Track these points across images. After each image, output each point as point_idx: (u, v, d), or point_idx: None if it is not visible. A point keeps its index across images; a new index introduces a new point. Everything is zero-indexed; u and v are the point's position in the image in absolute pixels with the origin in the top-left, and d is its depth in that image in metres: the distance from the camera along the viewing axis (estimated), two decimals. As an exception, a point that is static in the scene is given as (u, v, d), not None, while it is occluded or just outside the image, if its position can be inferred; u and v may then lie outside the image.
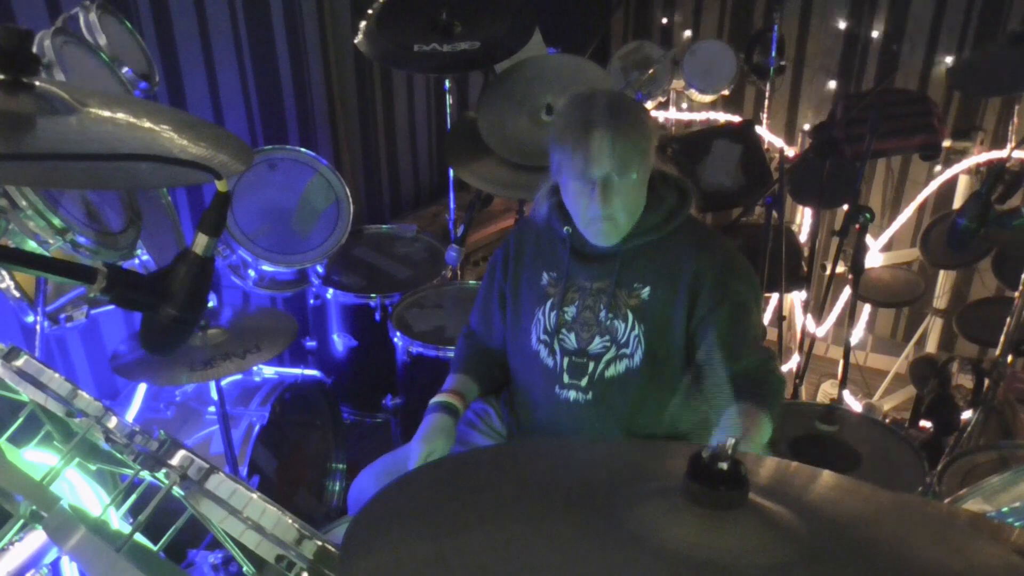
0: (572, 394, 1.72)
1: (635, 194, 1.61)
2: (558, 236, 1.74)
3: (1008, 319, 2.23)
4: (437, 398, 1.78)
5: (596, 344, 1.70)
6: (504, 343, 1.86)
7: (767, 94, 3.28)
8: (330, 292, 2.68)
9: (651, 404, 1.71)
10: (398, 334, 2.47)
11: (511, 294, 1.82)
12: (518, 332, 1.79)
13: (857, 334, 3.52)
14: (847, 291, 3.29)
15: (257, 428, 2.22)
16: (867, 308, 3.56)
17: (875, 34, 3.58)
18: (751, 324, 1.68)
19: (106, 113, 0.96)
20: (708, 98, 3.38)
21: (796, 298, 3.15)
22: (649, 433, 1.73)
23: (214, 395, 2.05)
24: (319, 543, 0.94)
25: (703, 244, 1.67)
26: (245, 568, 1.01)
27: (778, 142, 3.39)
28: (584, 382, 1.70)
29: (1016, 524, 1.30)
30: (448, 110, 2.77)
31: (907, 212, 3.46)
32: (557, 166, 1.63)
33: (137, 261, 1.92)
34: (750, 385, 1.59)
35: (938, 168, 3.33)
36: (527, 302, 1.78)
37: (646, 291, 1.67)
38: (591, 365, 1.70)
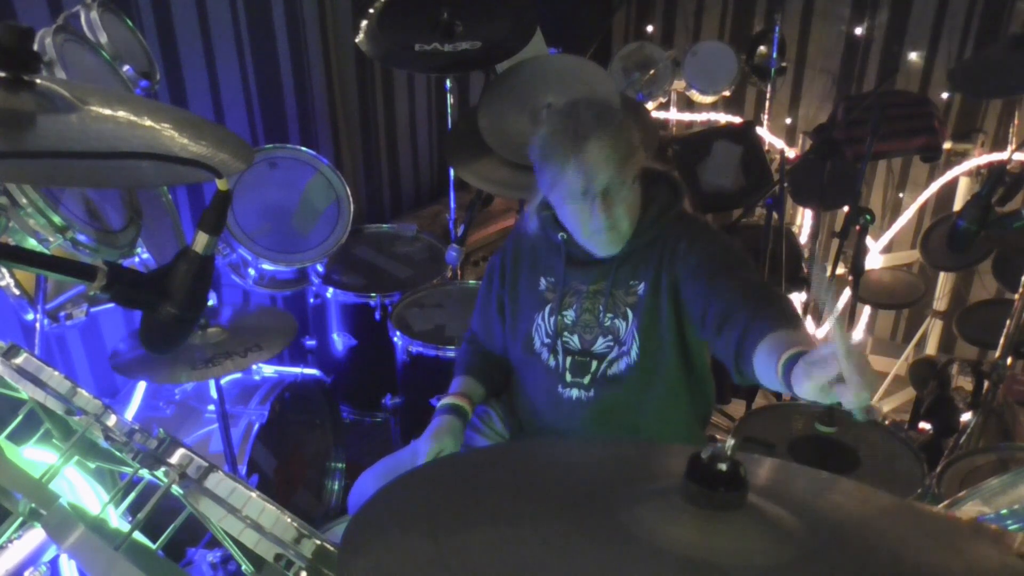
0: (575, 392, 1.72)
1: (633, 198, 1.61)
2: (553, 243, 1.73)
3: (1008, 321, 2.23)
4: (445, 400, 1.78)
5: (600, 344, 1.70)
6: (505, 347, 1.86)
7: (768, 95, 3.27)
8: (330, 291, 2.68)
9: (650, 400, 1.71)
10: (398, 334, 2.47)
11: (510, 300, 1.82)
12: (518, 336, 1.79)
13: (857, 336, 3.51)
14: (847, 293, 3.29)
15: (256, 427, 2.21)
16: (867, 310, 3.55)
17: (876, 36, 3.58)
18: (735, 255, 1.63)
19: (107, 111, 0.96)
20: (709, 99, 3.38)
21: (796, 300, 3.15)
22: (648, 430, 1.73)
23: (214, 394, 2.05)
24: (318, 542, 0.94)
25: (689, 234, 1.66)
26: (244, 567, 1.01)
27: (779, 143, 3.38)
28: (587, 380, 1.71)
29: (1015, 527, 1.29)
30: (449, 110, 2.77)
31: (907, 214, 3.46)
32: (549, 184, 1.59)
33: (137, 259, 1.92)
34: (766, 304, 1.46)
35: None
36: (526, 307, 1.78)
37: (641, 287, 1.67)
38: (594, 364, 1.70)
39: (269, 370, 2.42)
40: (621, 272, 1.68)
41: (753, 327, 1.42)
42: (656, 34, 4.13)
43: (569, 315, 1.72)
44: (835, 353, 1.09)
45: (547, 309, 1.74)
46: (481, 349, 1.92)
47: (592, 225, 1.58)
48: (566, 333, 1.72)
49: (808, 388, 1.16)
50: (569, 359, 1.72)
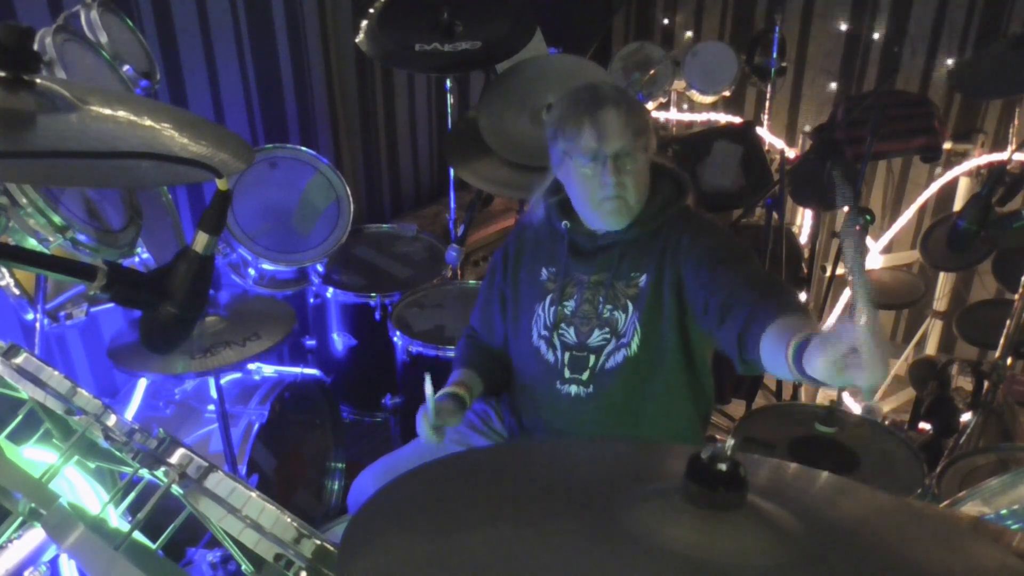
0: (573, 389, 1.72)
1: (642, 175, 1.63)
2: (557, 232, 1.74)
3: (1008, 321, 2.23)
4: (444, 390, 1.77)
5: (596, 337, 1.70)
6: (505, 343, 1.86)
7: (768, 95, 3.27)
8: (330, 291, 2.68)
9: (650, 395, 1.71)
10: (398, 333, 2.47)
11: (511, 293, 1.82)
12: (518, 331, 1.79)
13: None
14: (847, 293, 3.29)
15: (256, 427, 2.21)
16: (867, 310, 3.55)
17: (876, 36, 3.58)
18: (738, 248, 1.65)
19: (107, 111, 0.96)
20: (709, 99, 3.38)
21: (796, 299, 3.15)
22: (649, 427, 1.73)
23: (213, 393, 2.05)
24: (318, 542, 0.94)
25: (692, 228, 1.66)
26: (244, 567, 1.01)
27: (779, 143, 3.38)
28: (585, 376, 1.71)
29: (1015, 527, 1.30)
30: (449, 110, 2.77)
31: (907, 214, 3.46)
32: (560, 155, 1.63)
33: (137, 259, 1.92)
34: (771, 292, 1.48)
35: (938, 170, 3.33)
36: (527, 299, 1.79)
37: (643, 279, 1.67)
38: (591, 359, 1.70)
39: (269, 370, 2.42)
40: (623, 264, 1.68)
41: (758, 313, 1.43)
42: (656, 34, 4.13)
43: (569, 305, 1.72)
44: (850, 329, 1.07)
45: (548, 299, 1.75)
46: (480, 345, 1.91)
47: (601, 192, 1.60)
48: (563, 325, 1.72)
49: (821, 365, 1.15)
50: (567, 355, 1.72)
